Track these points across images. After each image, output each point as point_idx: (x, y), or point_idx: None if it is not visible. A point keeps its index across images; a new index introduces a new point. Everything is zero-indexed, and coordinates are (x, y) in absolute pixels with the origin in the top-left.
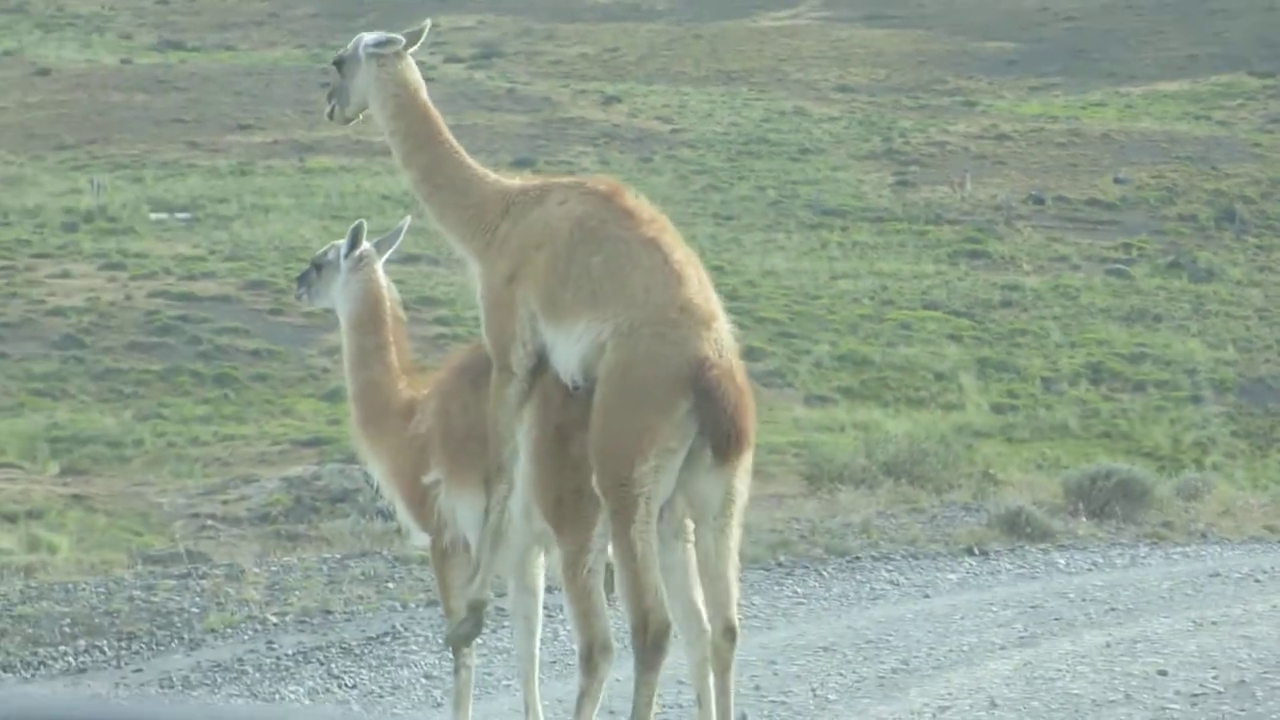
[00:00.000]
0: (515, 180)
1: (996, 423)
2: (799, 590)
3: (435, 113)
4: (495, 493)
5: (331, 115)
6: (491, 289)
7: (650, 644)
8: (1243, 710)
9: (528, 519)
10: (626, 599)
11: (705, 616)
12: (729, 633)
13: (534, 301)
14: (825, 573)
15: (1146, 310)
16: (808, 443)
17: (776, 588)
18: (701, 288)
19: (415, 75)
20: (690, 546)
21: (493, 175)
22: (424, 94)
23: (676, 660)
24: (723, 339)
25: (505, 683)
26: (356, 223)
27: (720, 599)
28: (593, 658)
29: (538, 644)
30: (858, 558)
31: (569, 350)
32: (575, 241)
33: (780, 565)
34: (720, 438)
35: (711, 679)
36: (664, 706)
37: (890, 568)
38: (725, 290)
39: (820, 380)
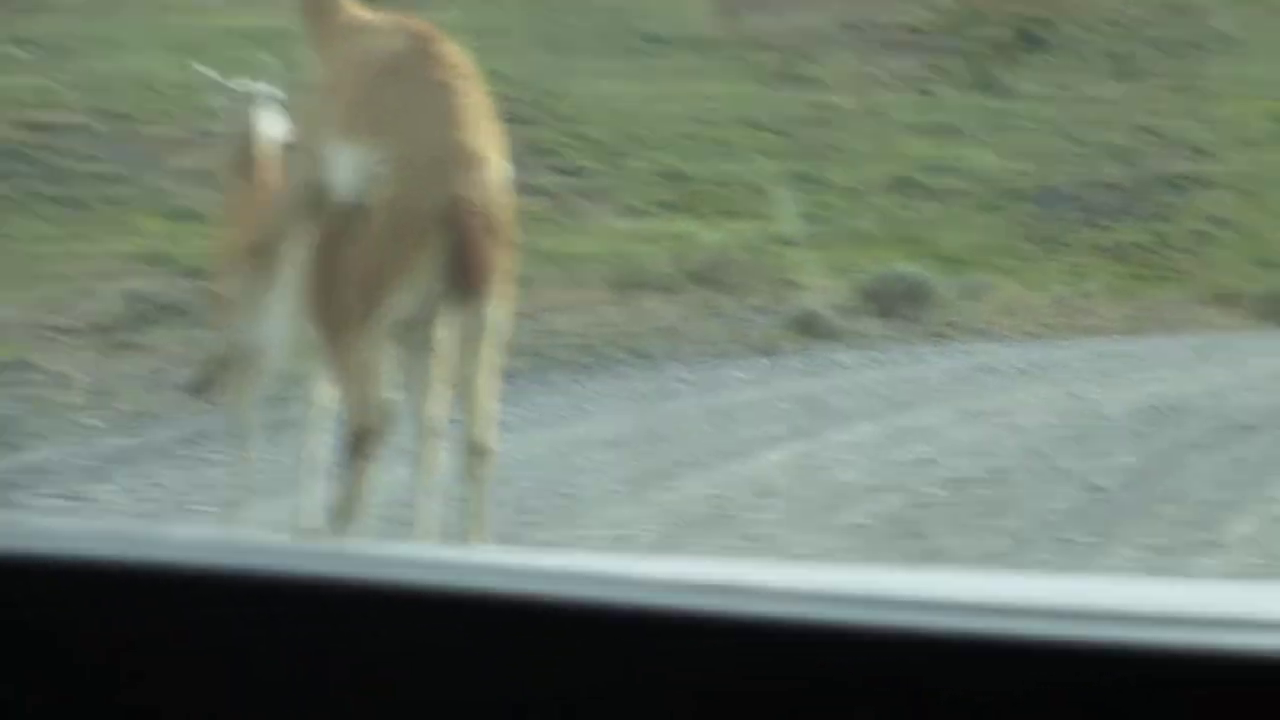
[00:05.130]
0: (367, 13)
1: (802, 231)
2: (598, 390)
3: None
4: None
5: None
6: (310, 95)
7: (358, 446)
8: (999, 494)
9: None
10: (346, 405)
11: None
12: (477, 449)
13: (335, 117)
14: (623, 373)
15: (950, 125)
16: (619, 253)
17: (578, 388)
18: (479, 134)
19: None
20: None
21: (357, 7)
22: None
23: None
24: (487, 180)
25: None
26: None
27: (472, 417)
28: (360, 444)
29: (322, 441)
30: (656, 359)
31: (348, 169)
32: (382, 72)
33: (582, 367)
34: (462, 274)
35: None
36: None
37: (685, 368)
38: (555, 113)
39: (638, 194)
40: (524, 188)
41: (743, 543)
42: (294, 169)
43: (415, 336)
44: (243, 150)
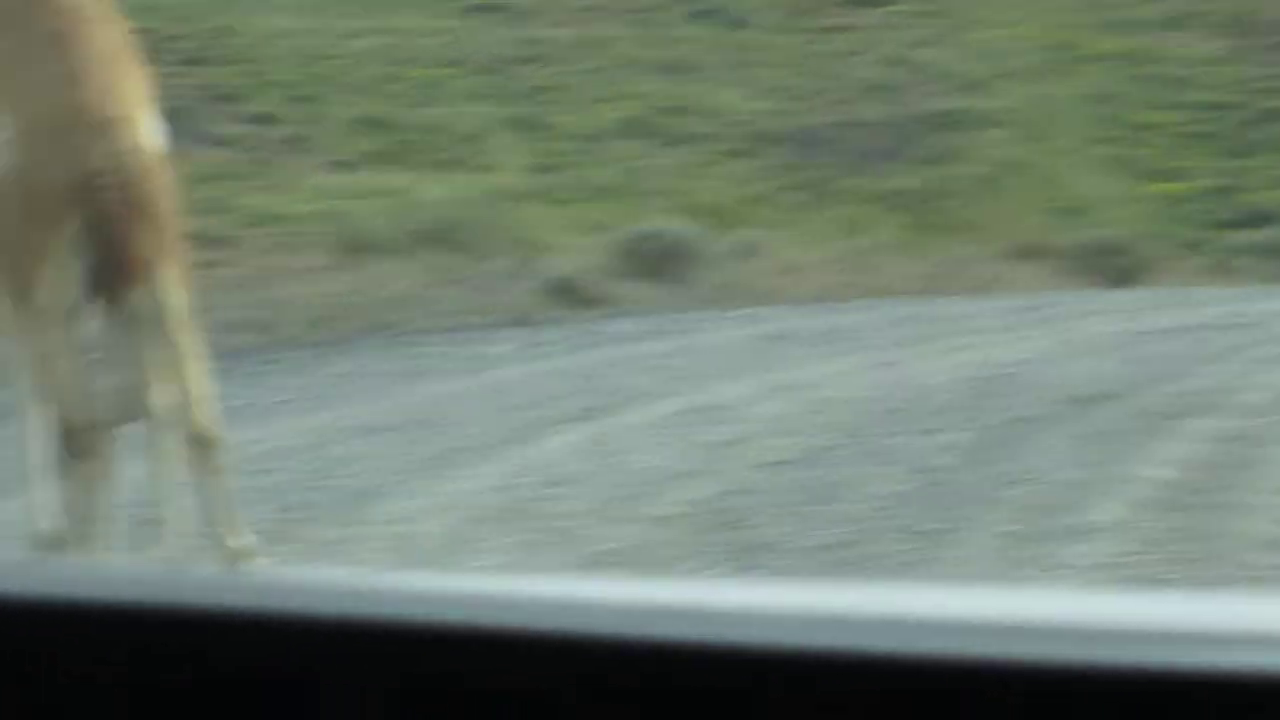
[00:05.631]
0: None
1: (535, 184)
2: (339, 369)
3: None
4: None
5: None
6: None
7: (70, 446)
8: (821, 477)
9: None
10: (48, 399)
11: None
12: (202, 439)
13: None
14: (365, 350)
15: (682, 60)
16: (334, 211)
17: (315, 367)
18: (112, 89)
19: None
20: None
21: None
22: None
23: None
24: (125, 148)
25: None
26: None
27: (185, 407)
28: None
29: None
30: (398, 333)
31: None
32: None
33: (317, 344)
34: (103, 262)
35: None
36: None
37: (434, 342)
38: (231, 52)
39: (342, 144)
40: (207, 138)
41: (542, 536)
42: None
43: (91, 324)
44: None
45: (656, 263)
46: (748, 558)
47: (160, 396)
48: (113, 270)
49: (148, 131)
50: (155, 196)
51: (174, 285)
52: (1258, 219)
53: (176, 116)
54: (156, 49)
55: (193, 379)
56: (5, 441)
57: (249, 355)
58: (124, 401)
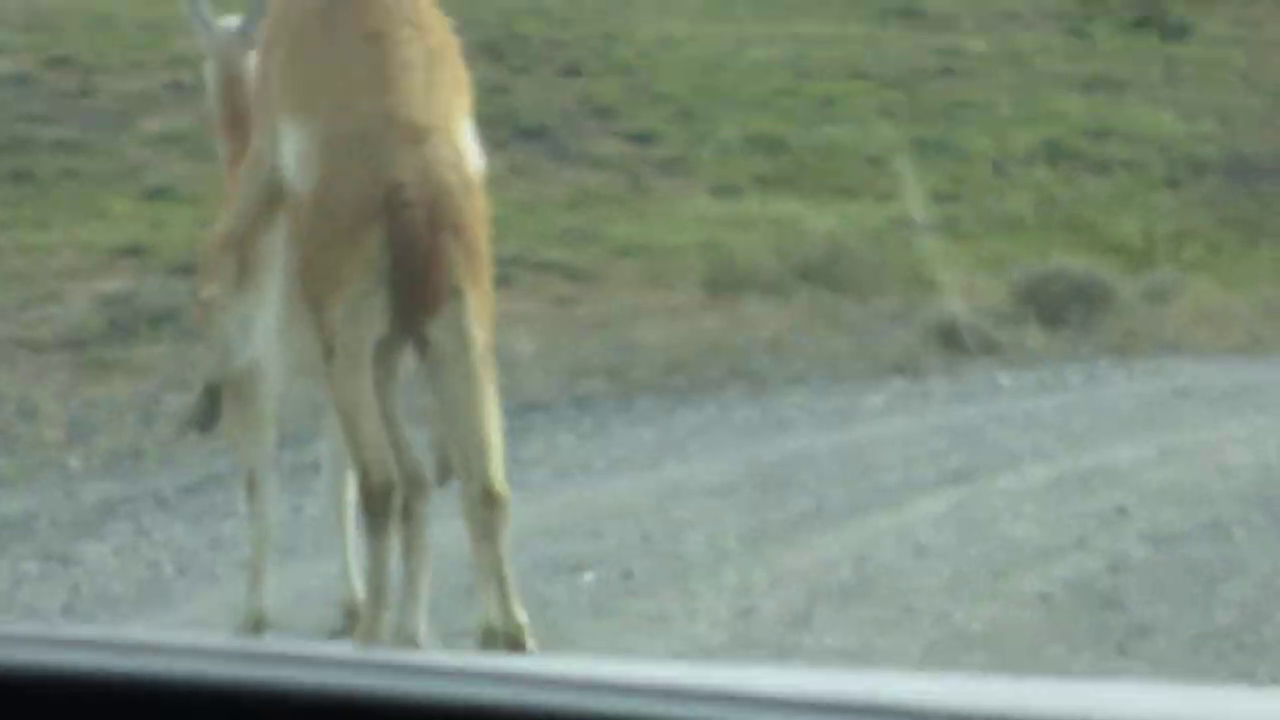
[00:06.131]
0: None
1: (937, 214)
2: (694, 420)
3: None
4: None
5: None
6: (257, 57)
7: (369, 504)
8: (1218, 554)
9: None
10: (349, 456)
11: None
12: (488, 497)
13: (274, 86)
14: (726, 399)
15: (1111, 76)
16: (712, 242)
17: (667, 418)
18: (425, 97)
19: None
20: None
21: None
22: None
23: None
24: (437, 159)
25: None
26: None
27: (473, 458)
28: (370, 499)
29: (353, 490)
30: (765, 380)
31: (287, 156)
32: (304, 28)
33: (674, 391)
34: (404, 283)
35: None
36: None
37: (803, 391)
38: (615, 62)
39: (728, 167)
40: (581, 158)
41: (893, 614)
42: (253, 145)
43: (394, 362)
44: (231, 106)
45: (1059, 306)
46: (1119, 643)
47: (456, 447)
48: (414, 297)
49: (463, 144)
50: (466, 216)
51: (479, 317)
52: None
53: (549, 133)
54: (534, 57)
55: (482, 425)
56: (318, 497)
57: (595, 403)
58: (427, 456)
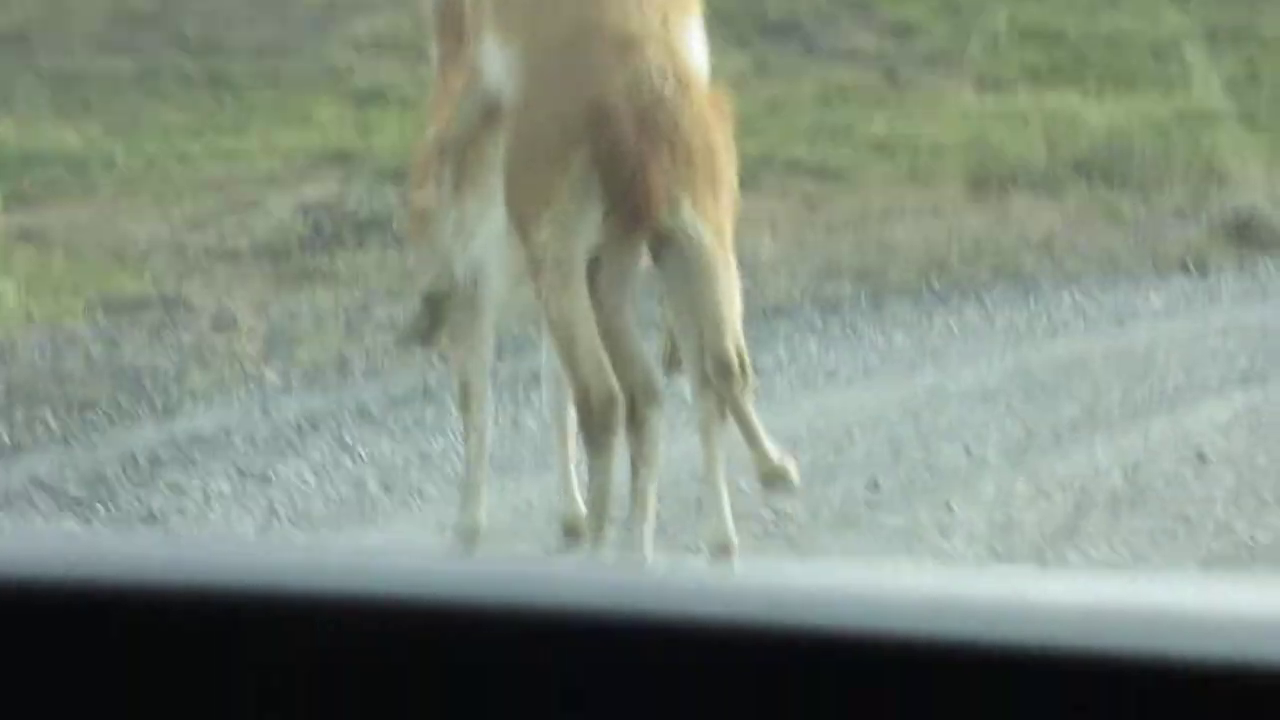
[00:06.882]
0: None
1: (1230, 105)
2: (954, 323)
3: None
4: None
5: None
6: None
7: (592, 420)
8: None
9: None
10: (564, 372)
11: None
12: (721, 368)
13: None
14: (990, 301)
15: None
16: (978, 138)
17: (923, 321)
18: (639, 4)
19: None
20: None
21: None
22: None
23: None
24: (648, 68)
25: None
26: None
27: (706, 331)
28: (589, 414)
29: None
30: (1034, 281)
31: (497, 69)
32: None
33: (932, 293)
34: (614, 199)
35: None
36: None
37: (1076, 292)
38: None
39: (997, 60)
40: (837, 53)
41: (1170, 525)
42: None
43: (613, 274)
44: (446, 7)
45: None
46: None
47: (685, 334)
48: (627, 212)
49: (681, 52)
50: (683, 125)
51: (706, 224)
52: None
53: (799, 28)
54: None
55: (721, 305)
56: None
57: (845, 307)
58: (652, 365)
